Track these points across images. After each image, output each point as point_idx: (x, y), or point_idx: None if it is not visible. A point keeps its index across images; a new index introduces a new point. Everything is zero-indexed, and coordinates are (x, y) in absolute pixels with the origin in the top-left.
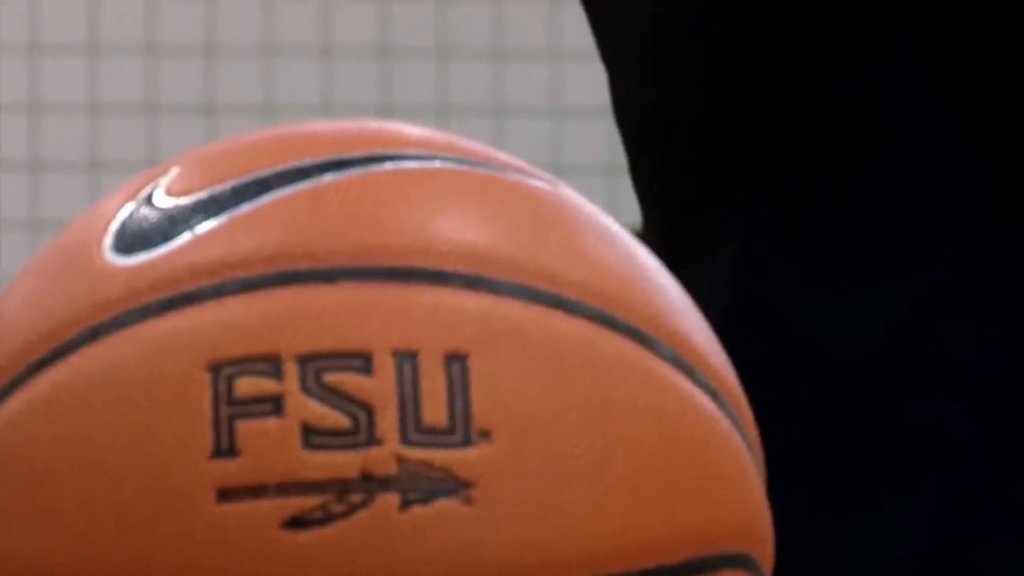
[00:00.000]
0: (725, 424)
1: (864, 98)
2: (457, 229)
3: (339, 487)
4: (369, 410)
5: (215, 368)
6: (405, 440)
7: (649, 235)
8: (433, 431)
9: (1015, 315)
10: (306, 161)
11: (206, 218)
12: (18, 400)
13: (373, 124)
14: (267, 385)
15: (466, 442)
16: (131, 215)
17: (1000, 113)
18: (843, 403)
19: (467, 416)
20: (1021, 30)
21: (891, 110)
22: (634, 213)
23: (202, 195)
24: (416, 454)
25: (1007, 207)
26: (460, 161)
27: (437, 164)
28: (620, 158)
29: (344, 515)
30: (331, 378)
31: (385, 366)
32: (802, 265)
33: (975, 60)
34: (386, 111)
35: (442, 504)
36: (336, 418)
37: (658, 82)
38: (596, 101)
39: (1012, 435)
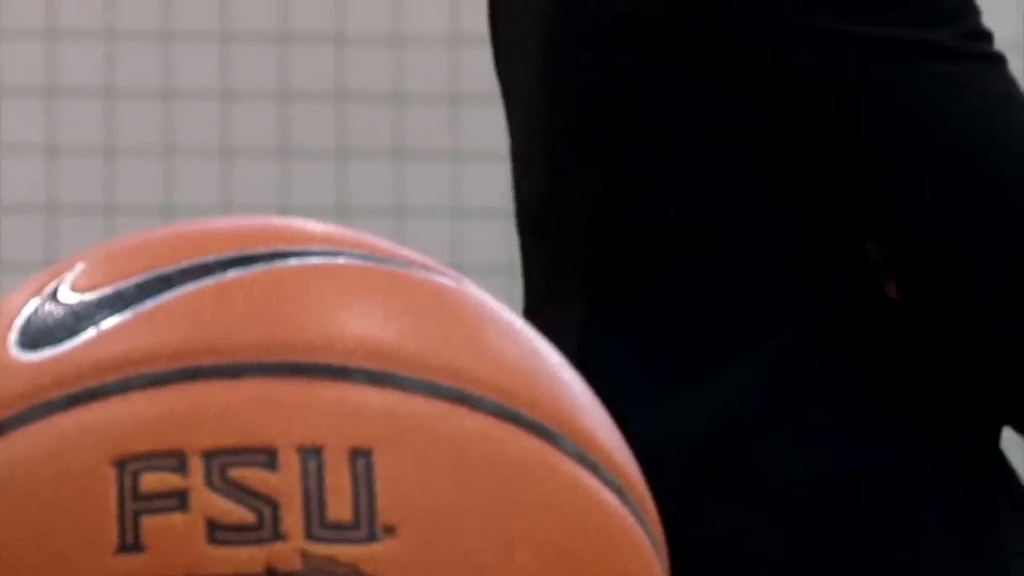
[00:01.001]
0: (630, 520)
1: (697, 212)
2: (362, 325)
3: None
4: (274, 505)
5: (120, 463)
6: (310, 536)
7: None
8: (338, 527)
9: (823, 427)
10: (211, 257)
11: (111, 314)
12: None
13: (277, 220)
14: (172, 480)
15: (371, 538)
16: (36, 311)
17: (827, 243)
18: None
19: (372, 512)
20: (851, 166)
21: (720, 226)
22: None
23: (107, 291)
24: (321, 550)
25: (827, 331)
26: (365, 257)
27: (342, 260)
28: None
29: None
30: (236, 473)
31: (290, 462)
32: (631, 360)
33: (811, 187)
34: (285, 212)
35: None
36: (241, 513)
37: (523, 180)
38: (496, 202)
39: (817, 545)
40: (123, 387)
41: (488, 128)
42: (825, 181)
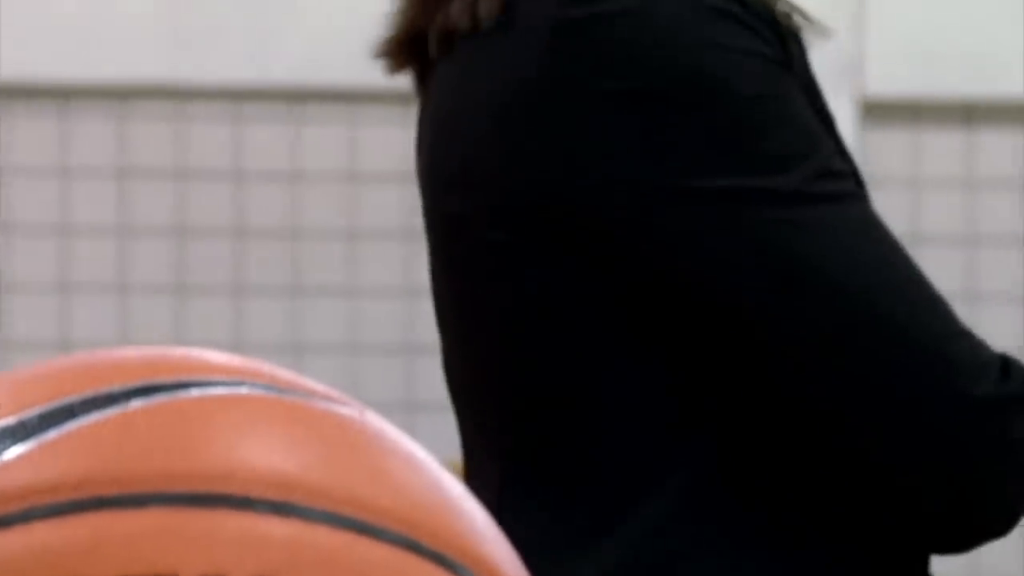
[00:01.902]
0: None
1: (582, 372)
2: (264, 455)
3: None
4: None
5: None
6: None
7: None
8: None
9: (728, 565)
10: (114, 387)
11: (14, 444)
12: None
13: (179, 351)
14: None
15: None
16: None
17: (708, 389)
18: None
19: None
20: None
21: (605, 384)
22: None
23: (10, 421)
24: None
25: (722, 472)
26: (267, 387)
27: (244, 390)
28: (418, 393)
29: None
30: None
31: None
32: (543, 514)
33: (680, 338)
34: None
35: None
36: None
37: (444, 339)
38: (394, 338)
39: None
40: (26, 517)
41: (386, 266)
42: (692, 332)
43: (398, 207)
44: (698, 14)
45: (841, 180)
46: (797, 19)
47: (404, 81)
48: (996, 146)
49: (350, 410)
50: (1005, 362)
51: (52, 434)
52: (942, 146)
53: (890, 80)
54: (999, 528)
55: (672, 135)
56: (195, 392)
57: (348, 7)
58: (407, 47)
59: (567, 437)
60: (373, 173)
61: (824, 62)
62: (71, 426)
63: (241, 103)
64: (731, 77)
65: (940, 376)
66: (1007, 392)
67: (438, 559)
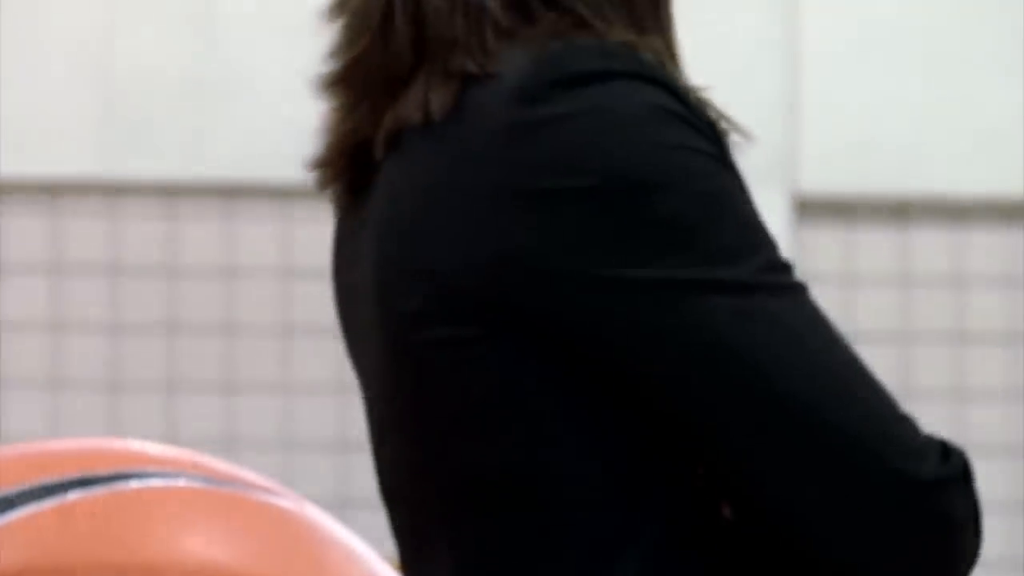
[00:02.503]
0: None
1: (538, 459)
2: (202, 546)
3: None
4: None
5: None
6: None
7: None
8: None
9: None
10: (52, 479)
11: None
12: None
13: (117, 442)
14: None
15: None
16: None
17: (659, 470)
18: None
19: None
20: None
21: (561, 467)
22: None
23: None
24: None
25: (677, 545)
26: (205, 479)
27: (182, 482)
28: (352, 489)
29: None
30: None
31: None
32: None
33: (632, 422)
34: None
35: None
36: None
37: (382, 448)
38: (328, 433)
39: None
40: None
41: (319, 359)
42: (644, 416)
43: (333, 303)
44: (647, 114)
45: (786, 273)
46: (724, 124)
47: None
48: (930, 243)
49: (288, 502)
50: (943, 446)
51: None
52: (876, 243)
53: (824, 177)
54: None
55: (625, 229)
56: (133, 483)
57: (281, 103)
58: (346, 156)
59: (527, 521)
60: (308, 269)
61: (758, 159)
62: (10, 516)
63: (175, 199)
64: (681, 174)
65: (886, 457)
66: (948, 473)
67: None
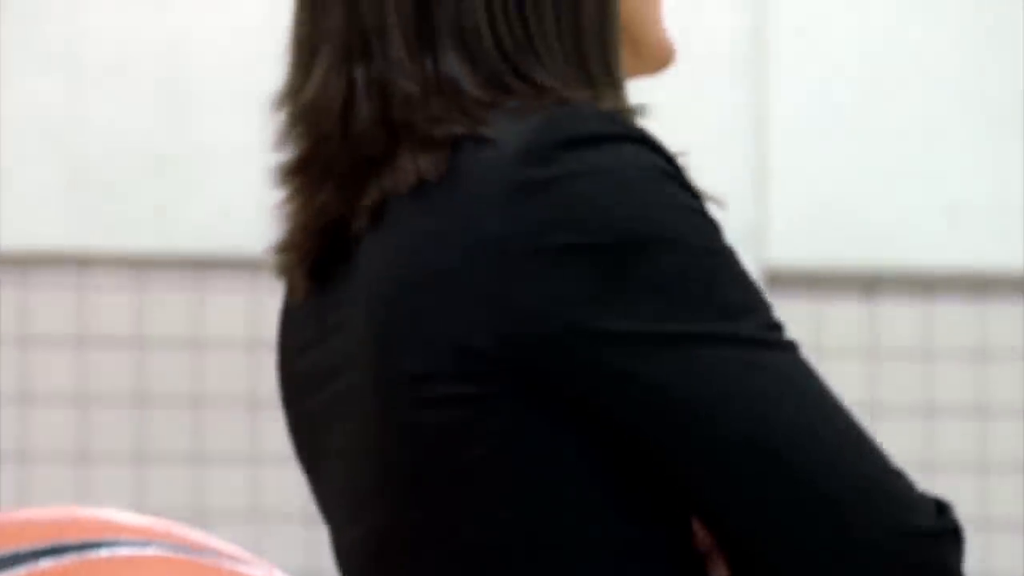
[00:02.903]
0: None
1: (536, 519)
2: None
3: None
4: None
5: None
6: None
7: None
8: None
9: None
10: (23, 547)
11: None
12: None
13: (88, 510)
14: None
15: None
16: None
17: (658, 530)
18: None
19: None
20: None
21: (559, 529)
22: None
23: None
24: None
25: None
26: (175, 548)
27: (152, 550)
28: (322, 560)
29: None
30: None
31: None
32: None
33: (638, 479)
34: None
35: None
36: None
37: (350, 526)
38: (297, 504)
39: None
40: None
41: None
42: (650, 473)
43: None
44: (650, 175)
45: (783, 332)
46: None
47: None
48: (898, 316)
49: (259, 571)
50: (936, 501)
51: None
52: (844, 315)
53: (793, 249)
54: None
55: (637, 284)
56: (104, 552)
57: (250, 175)
58: (313, 237)
59: None
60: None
61: (729, 230)
62: None
63: (144, 270)
64: (687, 232)
65: (884, 508)
66: (944, 525)
67: None
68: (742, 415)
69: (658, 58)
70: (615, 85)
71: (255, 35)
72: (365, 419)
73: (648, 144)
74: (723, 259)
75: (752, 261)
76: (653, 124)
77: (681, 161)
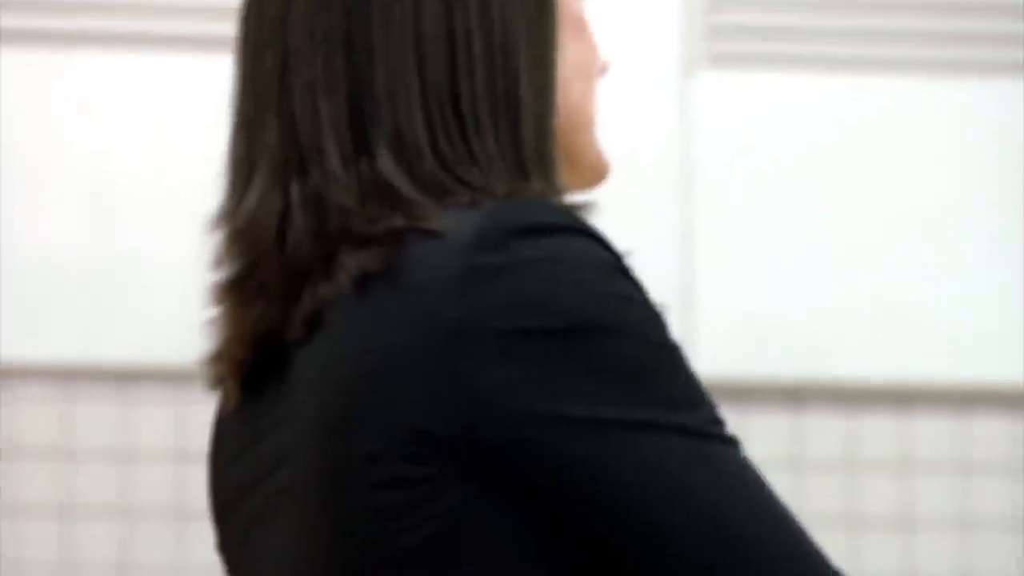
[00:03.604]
0: None
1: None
2: None
3: None
4: None
5: None
6: None
7: None
8: None
9: None
10: None
11: None
12: None
13: None
14: None
15: None
16: None
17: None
18: None
19: None
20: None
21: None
22: None
23: None
24: None
25: None
26: None
27: None
28: None
29: None
30: None
31: None
32: None
33: (588, 566)
34: None
35: None
36: None
37: None
38: None
39: None
40: None
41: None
42: (595, 558)
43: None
44: (602, 266)
45: (726, 427)
46: None
47: None
48: (823, 428)
49: None
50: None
51: None
52: (770, 426)
53: (719, 360)
54: None
55: (587, 370)
56: None
57: (178, 286)
58: (246, 349)
59: None
60: (203, 452)
61: None
62: None
63: (70, 381)
64: (637, 323)
65: None
66: None
67: None
68: (685, 505)
69: (594, 173)
70: (554, 188)
71: (186, 147)
72: (309, 510)
73: (597, 239)
74: (671, 352)
75: None
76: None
77: (627, 259)
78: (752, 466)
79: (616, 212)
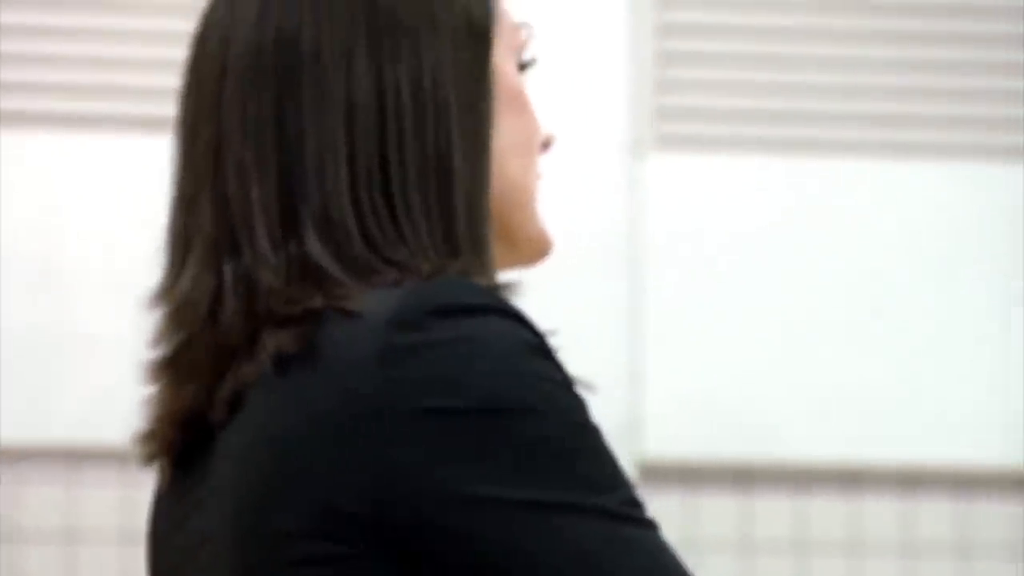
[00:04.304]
0: None
1: None
2: None
3: None
4: None
5: None
6: None
7: None
8: None
9: None
10: None
11: None
12: None
13: None
14: None
15: None
16: None
17: None
18: None
19: None
20: None
21: None
22: None
23: None
24: None
25: None
26: None
27: None
28: None
29: None
30: None
31: None
32: None
33: None
34: None
35: None
36: None
37: None
38: None
39: None
40: None
41: None
42: None
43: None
44: (521, 347)
45: (644, 510)
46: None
47: None
48: (772, 509)
49: None
50: None
51: None
52: (718, 508)
53: (667, 442)
54: None
55: (503, 450)
56: None
57: (125, 365)
58: (175, 428)
59: None
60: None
61: (602, 422)
62: None
63: (16, 462)
64: (554, 405)
65: None
66: None
67: None
68: None
69: (534, 250)
70: (485, 267)
71: (134, 225)
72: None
73: (518, 319)
74: (589, 434)
75: (626, 454)
76: (527, 310)
77: (551, 340)
78: (670, 549)
79: (564, 293)
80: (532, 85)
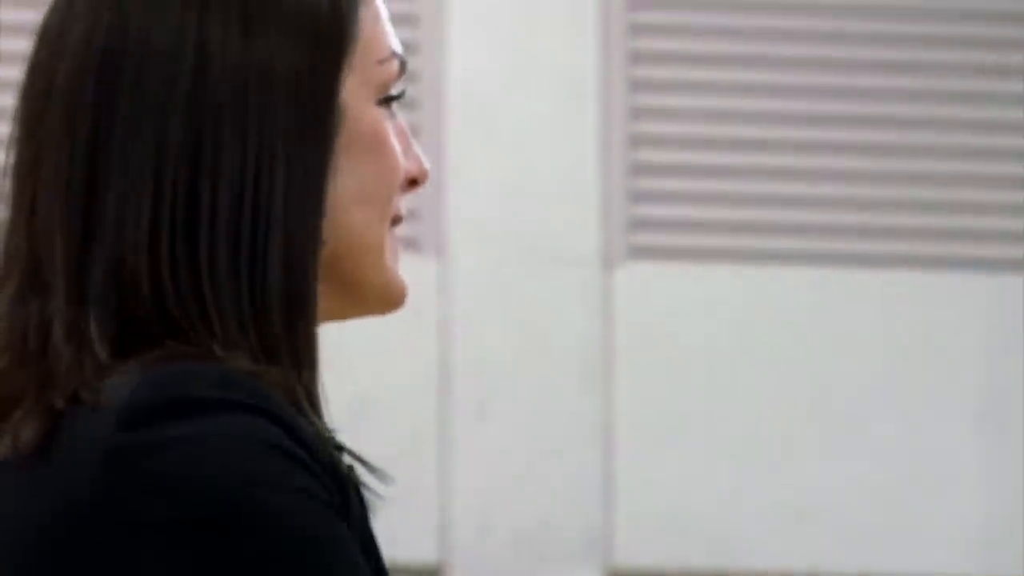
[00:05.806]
0: None
1: None
2: None
3: None
4: None
5: None
6: None
7: None
8: None
9: None
10: None
11: None
12: None
13: None
14: None
15: None
16: None
17: None
18: None
19: None
20: None
21: None
22: None
23: None
24: None
25: None
26: None
27: None
28: None
29: None
30: None
31: None
32: None
33: None
34: None
35: None
36: None
37: None
38: None
39: None
40: None
41: None
42: None
43: None
44: (257, 449)
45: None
46: (359, 473)
47: None
48: None
49: None
50: None
51: None
52: None
53: (638, 554)
54: None
55: (228, 567)
56: None
57: None
58: None
59: None
60: None
61: (573, 535)
62: None
63: None
64: (283, 513)
65: None
66: None
67: None
68: None
69: (383, 301)
70: (300, 364)
71: None
72: None
73: (267, 415)
74: (328, 548)
75: (598, 566)
76: (502, 435)
77: (320, 435)
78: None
79: (534, 403)
80: (504, 196)
